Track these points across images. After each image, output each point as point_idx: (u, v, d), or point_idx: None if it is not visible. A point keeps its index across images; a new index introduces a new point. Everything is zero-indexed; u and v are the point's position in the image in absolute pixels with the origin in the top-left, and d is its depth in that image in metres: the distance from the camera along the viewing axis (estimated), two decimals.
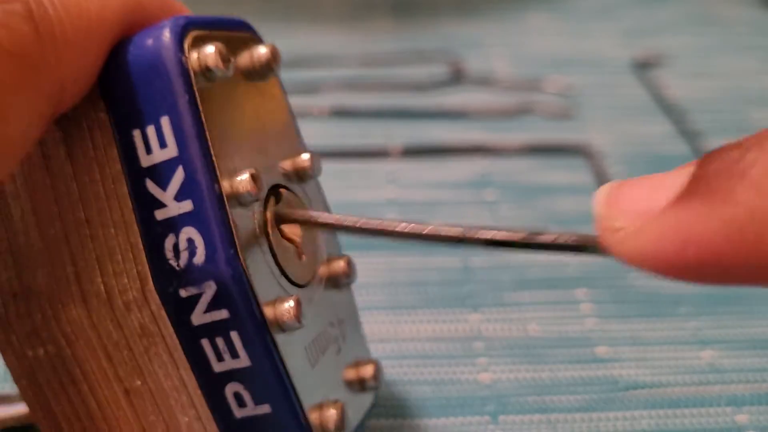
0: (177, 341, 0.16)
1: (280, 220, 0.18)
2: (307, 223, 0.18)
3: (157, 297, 0.16)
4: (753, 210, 0.11)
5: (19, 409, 0.20)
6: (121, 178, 0.16)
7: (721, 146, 0.13)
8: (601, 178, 0.33)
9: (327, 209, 0.20)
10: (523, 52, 0.42)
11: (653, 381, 0.25)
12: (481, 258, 0.29)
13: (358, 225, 0.17)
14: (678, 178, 0.13)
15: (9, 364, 0.17)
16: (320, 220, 0.18)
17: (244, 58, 0.17)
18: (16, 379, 0.17)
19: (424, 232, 0.16)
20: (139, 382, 0.16)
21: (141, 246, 0.16)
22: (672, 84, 0.40)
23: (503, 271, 0.29)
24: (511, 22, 0.45)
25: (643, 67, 0.41)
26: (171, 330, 0.16)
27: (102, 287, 0.16)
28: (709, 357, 0.25)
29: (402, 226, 0.16)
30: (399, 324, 0.26)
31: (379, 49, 0.42)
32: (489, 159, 0.34)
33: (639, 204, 0.13)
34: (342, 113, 0.37)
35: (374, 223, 0.17)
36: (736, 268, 0.12)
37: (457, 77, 0.40)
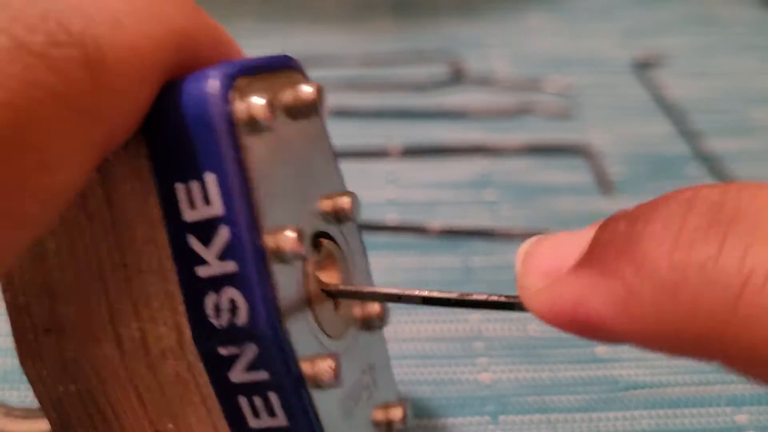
0: (212, 391, 0.16)
1: (322, 291, 0.18)
2: (350, 295, 0.18)
3: (194, 349, 0.15)
4: (630, 286, 0.13)
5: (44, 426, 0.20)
6: (160, 224, 0.15)
7: (616, 214, 0.14)
8: (601, 178, 0.33)
9: (364, 252, 0.20)
10: (523, 52, 0.42)
11: (653, 381, 0.25)
12: (481, 258, 0.29)
13: (402, 294, 0.18)
14: (581, 241, 0.14)
15: (39, 397, 0.17)
16: (365, 291, 0.18)
17: (287, 97, 0.17)
18: (46, 412, 0.17)
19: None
20: (171, 426, 0.16)
21: (179, 296, 0.15)
22: (672, 84, 0.40)
23: (503, 271, 0.29)
24: (511, 22, 0.45)
25: (643, 67, 0.41)
26: (207, 379, 0.16)
27: (137, 333, 0.16)
28: None
29: (427, 293, 0.18)
30: (399, 324, 0.26)
31: (379, 49, 0.42)
32: (489, 159, 0.34)
33: (546, 265, 0.15)
34: (342, 113, 0.37)
35: (406, 291, 0.18)
36: (617, 333, 0.13)
37: (457, 77, 0.40)
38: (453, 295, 0.17)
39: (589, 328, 0.14)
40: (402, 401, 0.20)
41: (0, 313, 0.27)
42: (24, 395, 0.24)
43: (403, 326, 0.26)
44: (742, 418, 0.23)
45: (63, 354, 0.16)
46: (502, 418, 0.23)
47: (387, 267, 0.28)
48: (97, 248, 0.16)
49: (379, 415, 0.20)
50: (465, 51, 0.42)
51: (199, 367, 0.16)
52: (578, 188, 0.33)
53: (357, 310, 0.19)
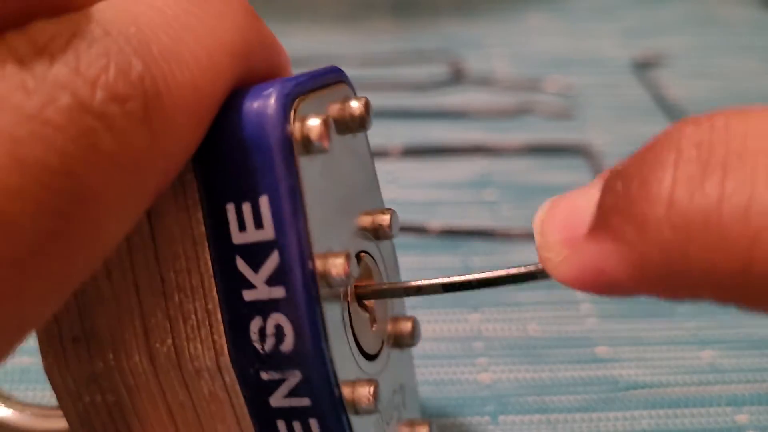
0: (247, 413, 0.16)
1: (361, 296, 0.17)
2: (387, 295, 0.18)
3: (232, 371, 0.15)
4: (639, 251, 0.13)
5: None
6: (204, 242, 0.15)
7: (613, 170, 0.14)
8: None
9: (397, 270, 0.20)
10: (523, 52, 0.42)
11: (653, 381, 0.25)
12: (481, 258, 0.29)
13: (422, 285, 0.17)
14: (589, 204, 0.14)
15: (63, 407, 0.17)
16: (400, 287, 0.18)
17: (335, 111, 0.16)
18: (70, 422, 0.17)
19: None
20: None
21: (219, 316, 0.15)
22: (672, 84, 0.40)
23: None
24: (511, 22, 0.45)
25: (643, 67, 0.41)
26: (242, 401, 0.15)
27: (173, 349, 0.16)
28: (709, 357, 0.25)
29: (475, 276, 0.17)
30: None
31: (379, 49, 0.42)
32: (489, 159, 0.34)
33: (563, 234, 0.15)
34: None
35: (453, 279, 0.17)
36: (639, 292, 0.14)
37: (457, 77, 0.40)
38: (473, 278, 0.17)
39: (614, 291, 0.14)
40: (427, 420, 0.19)
41: None
42: (24, 395, 0.24)
43: None
44: (742, 418, 0.23)
45: (91, 364, 0.16)
46: (502, 418, 0.23)
47: None
48: (134, 261, 0.16)
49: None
50: (465, 51, 0.42)
51: (236, 389, 0.15)
52: None
53: (389, 327, 0.19)
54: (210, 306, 0.15)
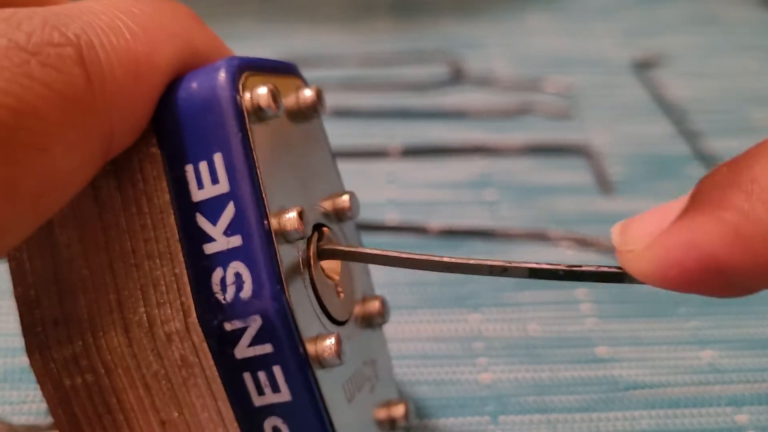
0: (216, 374, 0.16)
1: (323, 256, 0.18)
2: (352, 257, 0.18)
3: (199, 329, 0.16)
4: (746, 212, 0.12)
5: None
6: (169, 209, 0.16)
7: (717, 167, 0.14)
8: (601, 178, 0.33)
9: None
10: (523, 52, 0.42)
11: (653, 381, 0.25)
12: (480, 258, 0.29)
13: (402, 257, 0.18)
14: (680, 203, 0.14)
15: (45, 393, 0.17)
16: (365, 252, 0.18)
17: (290, 101, 0.18)
18: (52, 409, 0.17)
19: (468, 263, 0.17)
20: (176, 414, 0.17)
21: (185, 278, 0.16)
22: (672, 84, 0.40)
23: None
24: (511, 22, 0.45)
25: (643, 67, 0.41)
26: (211, 362, 0.16)
27: (144, 317, 0.16)
28: (709, 357, 0.25)
29: (447, 259, 0.18)
30: (399, 324, 0.26)
31: (379, 49, 0.42)
32: (489, 159, 0.34)
33: (648, 228, 0.14)
34: (342, 113, 0.37)
35: (419, 256, 0.18)
36: (735, 270, 0.12)
37: (457, 77, 0.40)
38: (561, 267, 0.16)
39: (706, 274, 0.13)
40: (404, 399, 0.20)
41: (1, 314, 0.27)
42: (24, 395, 0.24)
43: (403, 326, 0.26)
44: (742, 418, 0.23)
45: (71, 345, 0.17)
46: (502, 418, 0.23)
47: (387, 267, 0.28)
48: (108, 238, 0.17)
49: (382, 413, 0.20)
50: (465, 51, 0.42)
51: (204, 348, 0.16)
52: (578, 188, 0.33)
53: (358, 307, 0.20)
54: (177, 270, 0.16)
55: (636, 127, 0.37)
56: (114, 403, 0.17)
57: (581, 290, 0.28)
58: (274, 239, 0.16)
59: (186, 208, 0.16)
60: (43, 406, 0.23)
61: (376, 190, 0.32)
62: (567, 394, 0.24)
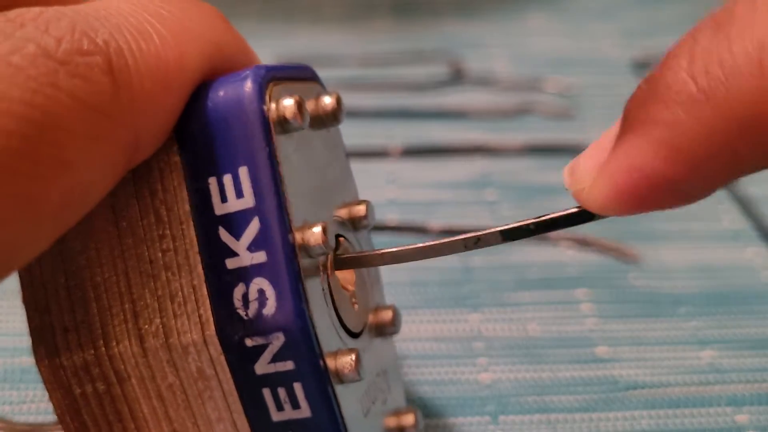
0: (233, 387, 0.16)
1: (339, 266, 0.18)
2: (368, 263, 0.18)
3: (218, 343, 0.16)
4: (668, 123, 0.13)
5: None
6: (189, 220, 0.16)
7: (637, 86, 0.14)
8: None
9: None
10: (523, 52, 0.42)
11: (653, 381, 0.25)
12: (481, 258, 0.29)
13: (417, 250, 0.18)
14: (615, 129, 0.14)
15: (54, 400, 0.17)
16: (379, 255, 0.18)
17: (309, 106, 0.17)
18: (60, 416, 0.17)
19: (443, 243, 0.18)
20: (190, 425, 0.16)
21: (204, 290, 0.16)
22: None
23: (503, 271, 0.29)
24: (511, 22, 0.45)
25: (643, 67, 0.41)
26: (229, 376, 0.16)
27: (161, 328, 0.16)
28: (709, 357, 0.25)
29: (421, 245, 0.18)
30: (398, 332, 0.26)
31: (379, 49, 0.42)
32: (489, 159, 0.34)
33: (592, 161, 0.15)
34: None
35: (397, 249, 0.18)
36: (679, 180, 0.13)
37: (457, 77, 0.40)
38: (530, 221, 0.17)
39: (655, 191, 0.13)
40: (413, 408, 0.20)
41: (1, 314, 0.27)
42: (24, 395, 0.24)
43: (404, 326, 0.26)
44: (742, 418, 0.23)
45: (83, 353, 0.16)
46: (502, 418, 0.23)
47: (387, 267, 0.28)
48: (124, 246, 0.16)
49: (392, 422, 0.20)
50: (465, 51, 0.42)
51: (222, 361, 0.16)
52: None
53: (371, 316, 0.20)
54: (195, 281, 0.16)
55: None
56: (126, 412, 0.17)
57: (581, 290, 0.28)
58: (298, 254, 0.16)
59: (207, 221, 0.16)
60: (43, 406, 0.23)
61: (376, 190, 0.32)
62: (567, 394, 0.24)
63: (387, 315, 0.20)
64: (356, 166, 0.34)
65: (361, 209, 0.19)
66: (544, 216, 0.16)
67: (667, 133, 0.13)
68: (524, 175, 0.34)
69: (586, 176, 0.15)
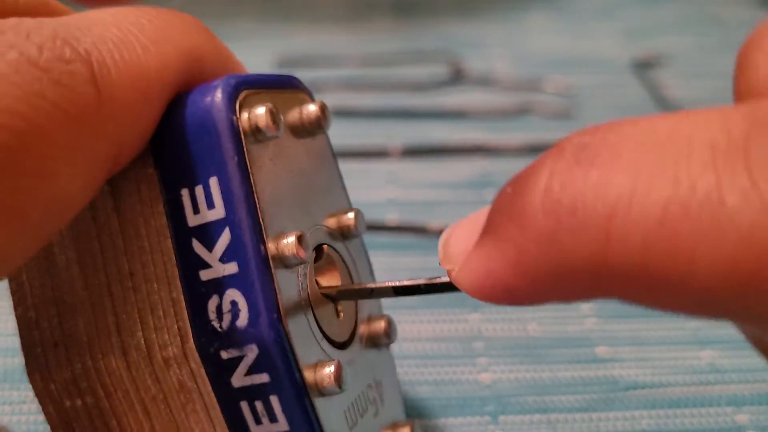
0: (215, 400, 0.16)
1: (321, 274, 0.18)
2: (348, 294, 0.18)
3: (197, 355, 0.16)
4: (518, 245, 0.13)
5: None
6: (166, 232, 0.16)
7: (508, 181, 0.15)
8: None
9: (369, 267, 0.21)
10: (523, 52, 0.42)
11: (653, 381, 0.25)
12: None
13: (392, 286, 0.18)
14: (481, 215, 0.15)
15: (47, 414, 0.17)
16: (357, 288, 0.18)
17: (293, 116, 0.17)
18: (53, 429, 0.17)
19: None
20: None
21: (183, 303, 0.16)
22: (672, 84, 0.40)
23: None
24: (511, 22, 0.45)
25: (643, 67, 0.41)
26: (209, 388, 0.16)
27: (142, 341, 0.16)
28: (709, 357, 0.25)
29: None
30: (399, 324, 0.26)
31: (379, 49, 0.42)
32: (489, 159, 0.34)
33: (460, 245, 0.15)
34: (342, 113, 0.37)
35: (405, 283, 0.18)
36: (527, 293, 0.14)
37: (457, 77, 0.40)
38: (422, 282, 0.17)
39: (506, 296, 0.14)
40: (410, 420, 0.20)
41: (1, 314, 0.27)
42: (24, 395, 0.24)
43: (403, 326, 0.26)
44: (742, 418, 0.23)
45: (71, 368, 0.17)
46: (502, 418, 0.23)
47: (387, 267, 0.29)
48: (106, 259, 0.16)
49: None
50: (465, 51, 0.42)
51: (202, 374, 0.16)
52: None
53: (363, 327, 0.19)
54: (174, 294, 0.16)
55: None
56: (114, 426, 0.17)
57: None
58: (272, 265, 0.15)
59: (182, 233, 0.16)
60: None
61: (376, 190, 0.32)
62: (567, 394, 0.24)
63: (380, 325, 0.20)
64: (356, 166, 0.34)
65: (349, 218, 0.19)
66: (436, 278, 0.17)
67: (516, 256, 0.13)
68: None
69: (455, 259, 0.15)
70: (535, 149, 0.35)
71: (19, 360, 0.25)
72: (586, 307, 0.27)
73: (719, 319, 0.13)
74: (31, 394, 0.23)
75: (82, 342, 0.16)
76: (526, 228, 0.13)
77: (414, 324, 0.27)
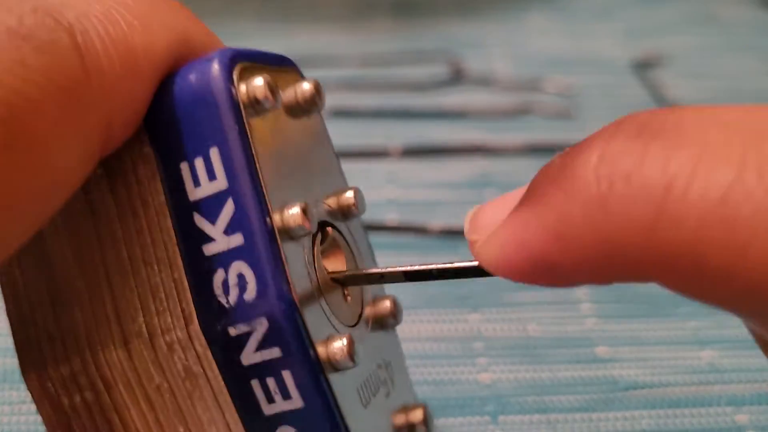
0: (223, 384, 0.15)
1: (327, 255, 0.17)
2: (357, 279, 0.18)
3: (202, 337, 0.15)
4: (561, 210, 0.13)
5: None
6: (165, 211, 0.15)
7: (556, 154, 0.14)
8: None
9: (369, 246, 0.20)
10: (523, 52, 0.42)
11: (653, 381, 0.25)
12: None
13: (402, 270, 0.17)
14: (520, 191, 0.14)
15: (44, 414, 0.17)
16: (366, 272, 0.18)
17: (288, 94, 0.17)
18: (51, 430, 0.17)
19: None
20: (181, 429, 0.16)
21: (185, 283, 0.15)
22: (672, 84, 0.40)
23: None
24: (511, 22, 0.45)
25: (643, 67, 0.41)
26: (217, 372, 0.15)
27: (144, 327, 0.15)
28: (709, 357, 0.25)
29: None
30: (399, 324, 0.26)
31: (379, 49, 0.42)
32: (489, 159, 0.34)
33: (492, 216, 0.14)
34: (342, 113, 0.37)
35: (416, 267, 0.17)
36: (561, 267, 0.13)
37: (457, 77, 0.40)
38: (433, 267, 0.17)
39: (535, 270, 0.13)
40: (421, 403, 0.19)
41: (1, 314, 0.27)
42: (24, 395, 0.24)
43: (403, 326, 0.26)
44: (742, 418, 0.23)
45: (69, 363, 0.16)
46: (502, 418, 0.23)
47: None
48: (102, 246, 0.16)
49: (400, 419, 0.19)
50: (465, 51, 0.42)
51: (209, 356, 0.15)
52: None
53: (369, 309, 0.19)
54: (176, 275, 0.15)
55: None
56: (116, 421, 0.16)
57: (581, 290, 0.28)
58: (278, 237, 0.15)
59: (182, 209, 0.15)
60: None
61: (376, 190, 0.32)
62: (567, 394, 0.24)
63: (385, 305, 0.19)
64: (356, 166, 0.34)
65: (349, 197, 0.18)
66: (448, 264, 0.16)
67: (559, 223, 0.13)
68: (524, 175, 0.33)
69: (483, 230, 0.14)
70: (535, 149, 0.35)
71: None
72: (586, 307, 0.27)
73: (745, 316, 0.12)
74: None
75: (80, 335, 0.16)
76: (574, 192, 0.13)
77: (414, 324, 0.27)
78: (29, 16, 0.13)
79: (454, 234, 0.30)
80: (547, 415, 0.23)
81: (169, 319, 0.15)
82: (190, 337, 0.15)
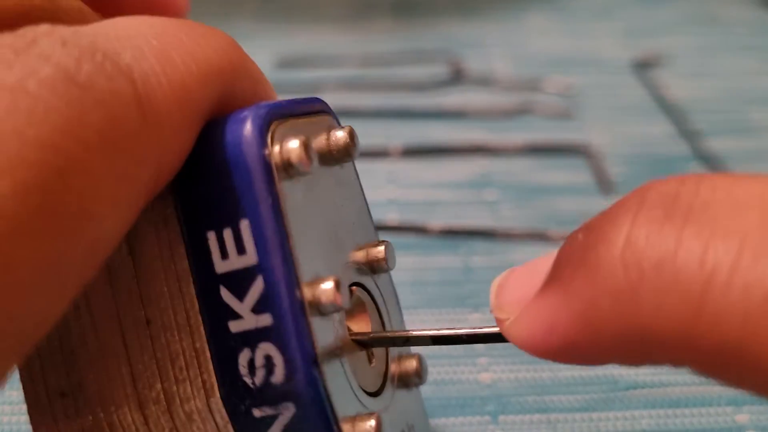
0: None
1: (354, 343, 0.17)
2: (382, 341, 0.17)
3: (224, 411, 0.14)
4: (588, 298, 0.12)
5: None
6: (188, 277, 0.15)
7: (579, 227, 0.14)
8: (601, 178, 0.33)
9: (397, 302, 0.20)
10: (523, 52, 0.42)
11: (653, 381, 0.25)
12: (481, 258, 0.29)
13: (430, 335, 0.17)
14: (548, 263, 0.14)
15: None
16: (392, 336, 0.17)
17: (320, 142, 0.16)
18: None
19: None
20: None
21: (208, 354, 0.15)
22: (672, 84, 0.40)
23: (504, 271, 0.28)
24: (511, 22, 0.45)
25: (643, 67, 0.41)
26: None
27: (162, 394, 0.15)
28: None
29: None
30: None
31: (379, 49, 0.42)
32: (489, 159, 0.34)
33: (516, 293, 0.14)
34: (342, 113, 0.37)
35: (445, 332, 0.17)
36: (591, 352, 0.13)
37: (457, 77, 0.40)
38: (463, 332, 0.16)
39: (567, 354, 0.13)
40: None
41: None
42: None
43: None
44: (742, 417, 0.23)
45: (80, 420, 0.15)
46: (502, 418, 0.23)
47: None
48: (119, 306, 0.15)
49: None
50: (465, 51, 0.42)
51: (230, 429, 0.15)
52: (578, 188, 0.33)
53: (394, 366, 0.18)
54: (198, 344, 0.15)
55: (636, 128, 0.37)
56: None
57: None
58: (308, 312, 0.14)
59: (207, 280, 0.14)
60: None
61: (376, 190, 0.32)
62: (567, 394, 0.24)
63: (411, 365, 0.18)
64: (357, 166, 0.34)
65: (379, 251, 0.17)
66: (480, 328, 0.16)
67: (588, 311, 0.12)
68: (524, 175, 0.34)
69: (510, 309, 0.14)
70: (535, 149, 0.35)
71: None
72: None
73: None
74: None
75: (92, 393, 0.15)
76: (602, 280, 0.12)
77: (414, 324, 0.26)
78: (87, 56, 0.11)
79: (454, 234, 0.30)
80: (548, 414, 0.23)
81: (189, 389, 0.15)
82: (210, 409, 0.15)
